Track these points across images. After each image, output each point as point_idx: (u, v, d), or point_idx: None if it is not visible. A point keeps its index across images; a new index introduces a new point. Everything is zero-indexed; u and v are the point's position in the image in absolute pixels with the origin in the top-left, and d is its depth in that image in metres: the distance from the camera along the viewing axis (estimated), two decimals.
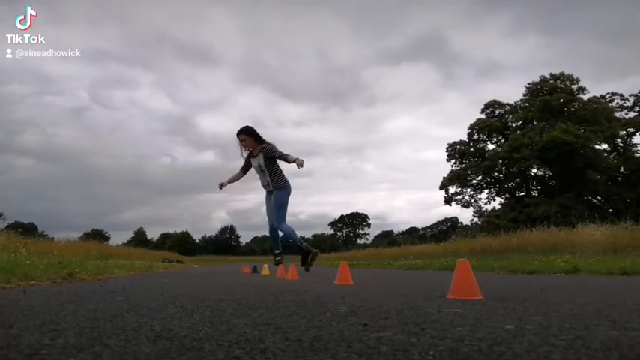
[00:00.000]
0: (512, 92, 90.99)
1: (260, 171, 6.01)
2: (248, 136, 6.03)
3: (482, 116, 37.07)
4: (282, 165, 5.99)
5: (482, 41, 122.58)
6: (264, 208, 6.15)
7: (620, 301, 2.04)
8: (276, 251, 6.40)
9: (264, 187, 6.07)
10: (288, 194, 6.03)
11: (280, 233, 6.06)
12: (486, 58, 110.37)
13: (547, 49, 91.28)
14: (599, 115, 30.99)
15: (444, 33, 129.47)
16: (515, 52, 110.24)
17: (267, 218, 6.16)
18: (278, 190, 5.93)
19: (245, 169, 6.24)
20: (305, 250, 6.01)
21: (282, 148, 5.91)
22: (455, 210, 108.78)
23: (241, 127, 6.10)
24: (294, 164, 5.76)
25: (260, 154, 5.93)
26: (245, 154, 6.16)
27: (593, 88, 71.96)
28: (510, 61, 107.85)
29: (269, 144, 5.97)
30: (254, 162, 6.06)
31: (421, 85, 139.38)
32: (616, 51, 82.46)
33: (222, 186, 6.19)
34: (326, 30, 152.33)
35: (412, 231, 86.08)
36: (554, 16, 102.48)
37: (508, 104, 36.46)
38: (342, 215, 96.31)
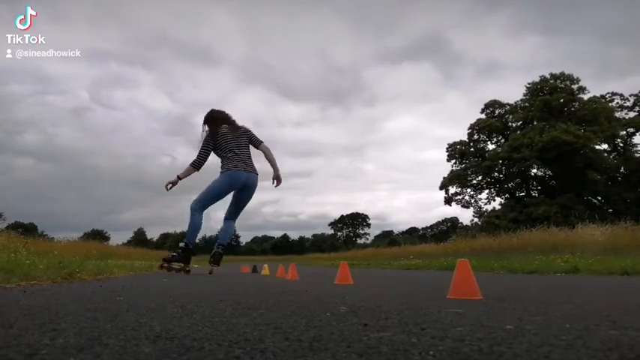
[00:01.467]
0: (512, 92, 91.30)
1: (239, 149, 5.43)
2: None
3: (483, 116, 37.13)
4: None
5: (482, 41, 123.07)
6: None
7: (620, 301, 2.04)
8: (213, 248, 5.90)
9: (240, 165, 5.40)
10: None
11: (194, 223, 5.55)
12: (486, 57, 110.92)
13: (547, 49, 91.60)
14: (599, 115, 31.03)
15: (445, 32, 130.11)
16: (516, 52, 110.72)
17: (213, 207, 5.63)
18: (254, 176, 5.50)
19: (206, 155, 5.49)
20: (184, 257, 5.66)
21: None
22: (455, 210, 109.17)
23: (209, 113, 5.51)
24: (274, 174, 5.48)
25: (242, 135, 5.50)
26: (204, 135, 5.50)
27: (593, 88, 72.35)
28: (510, 60, 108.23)
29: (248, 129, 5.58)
30: (228, 137, 5.43)
31: (421, 85, 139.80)
32: (616, 51, 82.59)
33: (172, 185, 5.50)
34: (326, 30, 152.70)
35: (412, 231, 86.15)
36: (555, 16, 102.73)
37: (508, 104, 36.53)
38: (342, 215, 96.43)
